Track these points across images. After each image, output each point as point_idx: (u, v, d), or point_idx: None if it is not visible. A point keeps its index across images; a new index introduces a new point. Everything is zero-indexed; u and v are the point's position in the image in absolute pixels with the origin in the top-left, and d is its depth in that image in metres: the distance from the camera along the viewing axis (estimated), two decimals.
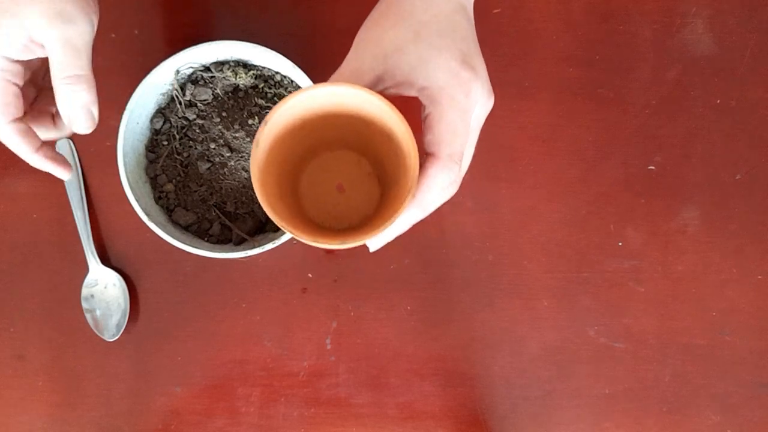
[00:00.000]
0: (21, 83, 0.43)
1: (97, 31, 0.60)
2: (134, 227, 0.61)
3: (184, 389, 0.62)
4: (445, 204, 0.61)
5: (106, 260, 0.61)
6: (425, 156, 0.38)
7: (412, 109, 0.40)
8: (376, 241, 0.39)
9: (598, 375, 0.62)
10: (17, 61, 0.42)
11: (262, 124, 0.36)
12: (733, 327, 0.62)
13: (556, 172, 0.62)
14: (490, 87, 0.39)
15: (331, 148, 0.43)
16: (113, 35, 0.61)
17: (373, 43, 0.38)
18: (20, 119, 0.44)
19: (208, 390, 0.62)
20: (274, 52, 0.54)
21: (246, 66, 0.58)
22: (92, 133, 0.60)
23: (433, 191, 0.38)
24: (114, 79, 0.60)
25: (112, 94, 0.60)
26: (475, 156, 0.62)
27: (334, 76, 0.38)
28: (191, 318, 0.61)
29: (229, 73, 0.57)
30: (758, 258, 0.62)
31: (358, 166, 0.44)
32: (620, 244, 0.62)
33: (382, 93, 0.39)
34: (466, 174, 0.61)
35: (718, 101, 0.62)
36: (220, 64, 0.57)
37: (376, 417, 0.62)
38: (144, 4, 0.61)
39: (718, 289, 0.62)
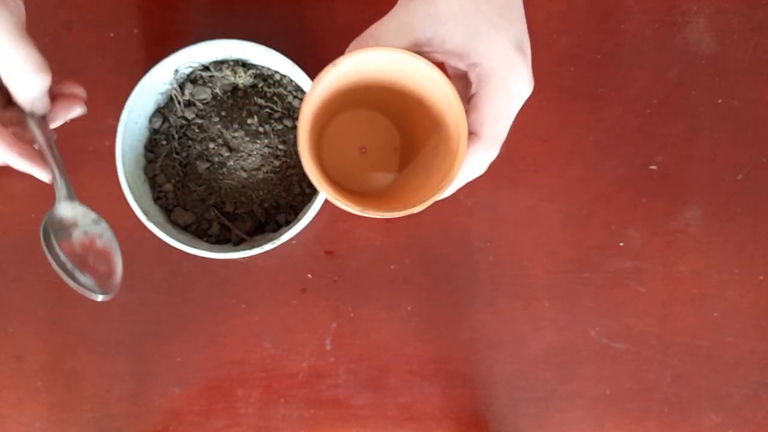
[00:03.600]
0: None
1: (97, 31, 0.60)
2: (132, 227, 0.60)
3: (183, 390, 0.62)
4: (445, 204, 0.61)
5: None
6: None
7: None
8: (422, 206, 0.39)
9: (599, 376, 0.62)
10: None
11: (314, 83, 0.35)
12: (734, 328, 0.62)
13: (556, 171, 0.62)
14: (532, 74, 0.39)
15: (358, 106, 0.42)
16: (112, 34, 0.61)
17: (428, 1, 0.36)
18: None
19: (207, 391, 0.62)
20: (273, 51, 0.54)
21: (245, 65, 0.57)
22: (90, 132, 0.60)
23: (470, 168, 0.38)
24: (112, 78, 0.60)
25: (111, 93, 0.60)
26: None
27: (379, 27, 0.37)
28: (190, 319, 0.61)
29: (228, 73, 0.57)
30: (760, 258, 0.62)
31: (385, 133, 0.42)
32: (621, 244, 0.62)
33: (426, 56, 0.38)
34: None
35: (720, 101, 0.62)
36: (219, 64, 0.57)
37: (376, 418, 0.62)
38: (143, 3, 0.61)
39: (719, 289, 0.62)
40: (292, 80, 0.57)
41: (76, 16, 0.60)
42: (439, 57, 0.38)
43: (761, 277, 0.62)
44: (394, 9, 0.38)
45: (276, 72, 0.58)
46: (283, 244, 0.54)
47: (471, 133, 0.37)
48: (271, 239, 0.54)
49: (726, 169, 0.62)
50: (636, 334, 0.62)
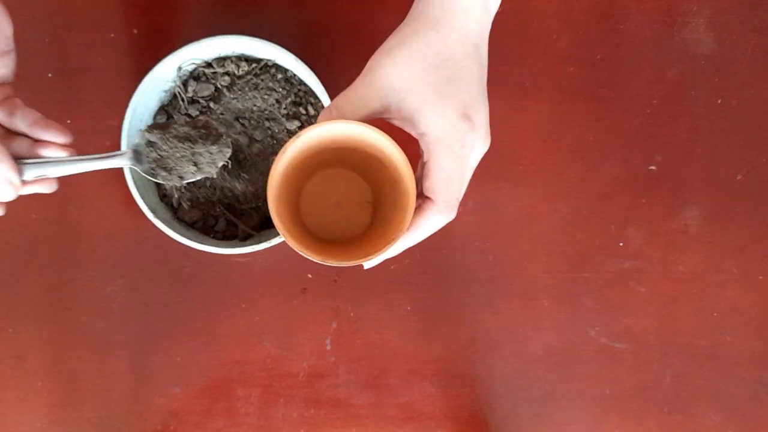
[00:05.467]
0: None
1: (97, 31, 0.60)
2: (134, 227, 0.60)
3: (184, 390, 0.62)
4: None
5: (106, 260, 0.61)
6: (423, 198, 0.41)
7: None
8: (369, 263, 0.43)
9: (599, 375, 0.62)
10: None
11: (280, 154, 0.40)
12: (733, 327, 0.62)
13: (556, 172, 0.62)
14: (488, 131, 0.41)
15: (333, 165, 0.47)
16: (112, 35, 0.61)
17: (383, 73, 0.40)
18: None
19: (207, 390, 0.62)
20: (276, 46, 0.54)
21: (248, 60, 0.57)
22: (91, 132, 0.60)
23: (424, 230, 0.42)
24: (113, 78, 0.60)
25: (111, 93, 0.60)
26: None
27: (342, 98, 0.40)
28: (191, 318, 0.61)
29: (231, 68, 0.57)
30: (759, 258, 0.62)
31: (357, 189, 0.48)
32: (621, 244, 0.62)
33: (387, 121, 0.42)
34: None
35: (719, 101, 0.62)
36: (222, 60, 0.57)
37: (376, 418, 0.62)
38: (143, 3, 0.61)
39: (718, 289, 0.62)
40: (295, 74, 0.57)
41: (76, 16, 0.60)
42: (397, 123, 0.41)
43: (761, 277, 0.62)
44: (357, 80, 0.41)
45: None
46: (281, 244, 0.54)
47: (427, 198, 0.41)
48: (278, 234, 0.54)
49: (726, 169, 0.62)
50: (636, 333, 0.62)
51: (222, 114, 0.57)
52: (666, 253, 0.62)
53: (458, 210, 0.62)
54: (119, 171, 0.54)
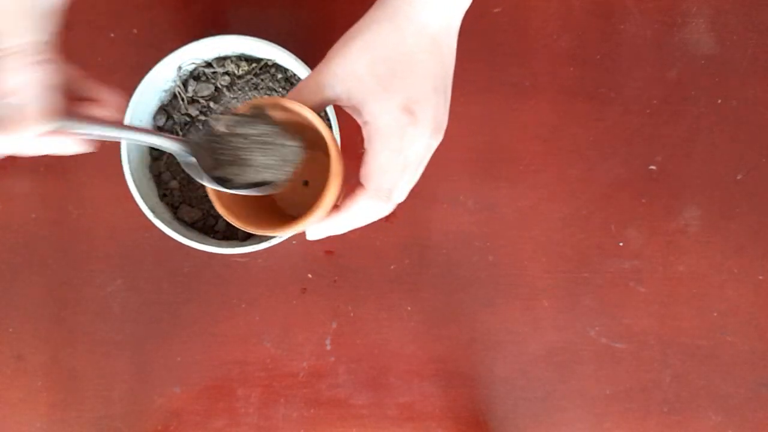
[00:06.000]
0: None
1: (97, 31, 0.61)
2: (134, 227, 0.60)
3: (184, 390, 0.62)
4: (445, 204, 0.61)
5: (106, 260, 0.61)
6: (359, 184, 0.42)
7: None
8: (311, 232, 0.43)
9: (599, 375, 0.62)
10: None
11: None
12: (733, 327, 0.62)
13: (556, 171, 0.62)
14: (438, 126, 0.41)
15: (309, 147, 0.48)
16: (112, 35, 0.61)
17: (338, 62, 0.40)
18: None
19: (207, 391, 0.62)
20: (276, 46, 0.54)
21: (248, 60, 0.57)
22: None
23: (353, 213, 0.42)
24: (112, 78, 0.60)
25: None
26: (475, 156, 0.62)
27: (304, 82, 0.41)
28: (190, 318, 0.61)
29: (231, 68, 0.57)
30: (759, 258, 0.62)
31: (326, 169, 0.49)
32: (621, 244, 0.62)
33: (342, 107, 0.42)
34: (465, 174, 0.62)
35: (719, 101, 0.62)
36: (222, 60, 0.57)
37: (376, 418, 0.62)
38: (143, 3, 0.61)
39: (719, 289, 0.62)
40: (295, 74, 0.58)
41: (76, 16, 0.60)
42: (349, 111, 0.42)
43: (760, 277, 0.62)
44: (318, 65, 0.41)
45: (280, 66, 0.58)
46: (284, 242, 0.54)
47: (360, 185, 0.42)
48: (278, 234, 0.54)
49: (726, 169, 0.62)
50: (636, 333, 0.62)
51: (222, 114, 0.57)
52: (666, 253, 0.62)
53: (458, 210, 0.62)
54: (119, 170, 0.54)
